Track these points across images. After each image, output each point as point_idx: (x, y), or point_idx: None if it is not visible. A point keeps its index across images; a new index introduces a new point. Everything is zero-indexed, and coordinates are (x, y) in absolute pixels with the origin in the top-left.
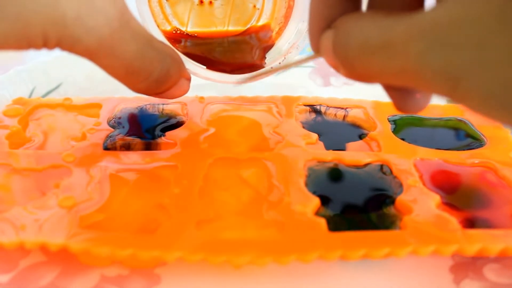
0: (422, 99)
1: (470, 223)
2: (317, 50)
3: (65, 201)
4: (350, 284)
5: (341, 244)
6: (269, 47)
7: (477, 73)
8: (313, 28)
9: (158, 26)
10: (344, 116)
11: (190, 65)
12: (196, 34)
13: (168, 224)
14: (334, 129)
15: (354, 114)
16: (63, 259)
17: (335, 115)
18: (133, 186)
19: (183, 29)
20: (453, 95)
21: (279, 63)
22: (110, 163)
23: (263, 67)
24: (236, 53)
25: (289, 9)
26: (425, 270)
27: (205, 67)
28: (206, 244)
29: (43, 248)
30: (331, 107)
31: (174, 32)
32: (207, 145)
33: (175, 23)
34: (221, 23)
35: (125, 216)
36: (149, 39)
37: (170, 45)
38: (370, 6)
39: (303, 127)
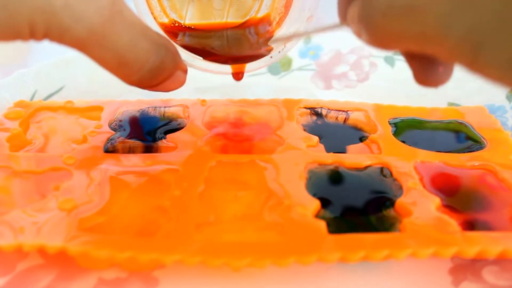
0: (444, 72)
1: (470, 226)
2: (344, 18)
3: (65, 203)
4: (350, 286)
5: (341, 246)
6: (269, 38)
7: (502, 38)
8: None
9: (155, 19)
10: (345, 119)
11: (187, 56)
12: (194, 27)
13: (167, 227)
14: (335, 132)
15: (355, 117)
16: (61, 262)
17: (336, 118)
18: (133, 188)
19: (181, 21)
20: (474, 62)
21: (279, 52)
22: (111, 166)
23: (263, 56)
24: (235, 46)
25: None
26: (424, 272)
27: (202, 58)
28: (205, 247)
29: (41, 251)
30: (332, 109)
31: (172, 25)
32: (208, 148)
33: (173, 16)
34: (219, 15)
35: (125, 219)
36: (143, 29)
37: (167, 37)
38: None
39: (304, 130)
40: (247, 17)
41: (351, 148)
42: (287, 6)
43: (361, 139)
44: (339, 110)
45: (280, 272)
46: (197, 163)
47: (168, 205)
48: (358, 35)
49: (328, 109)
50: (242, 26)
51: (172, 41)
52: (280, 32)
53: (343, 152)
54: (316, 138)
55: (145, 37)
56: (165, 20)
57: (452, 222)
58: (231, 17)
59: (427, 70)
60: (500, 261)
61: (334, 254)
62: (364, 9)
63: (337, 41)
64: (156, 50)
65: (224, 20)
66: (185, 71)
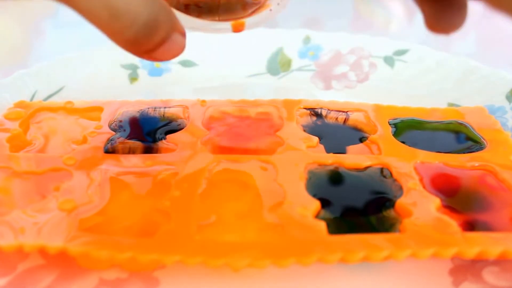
0: (457, 16)
1: (470, 226)
2: None
3: (65, 204)
4: (350, 287)
5: (341, 247)
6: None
7: None
8: None
9: None
10: (345, 120)
11: (182, 16)
12: None
13: (168, 227)
14: (334, 132)
15: (355, 118)
16: (62, 262)
17: (336, 118)
18: (133, 189)
19: None
20: None
21: (278, 3)
22: (111, 166)
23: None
24: (226, 9)
25: None
26: (425, 273)
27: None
28: (205, 247)
29: (42, 251)
30: (332, 110)
31: None
32: (208, 148)
33: None
34: None
35: (125, 219)
36: None
37: None
38: None
39: (304, 130)
40: None
41: (351, 148)
42: None
43: (361, 139)
44: (339, 111)
45: (280, 272)
46: (197, 163)
47: (168, 205)
48: None
49: (328, 109)
50: None
51: None
52: None
53: (343, 152)
54: (316, 139)
55: None
56: None
57: (452, 223)
58: None
59: (439, 13)
60: (501, 261)
61: (334, 254)
62: None
63: (336, 42)
64: (149, 2)
65: None
66: (183, 34)
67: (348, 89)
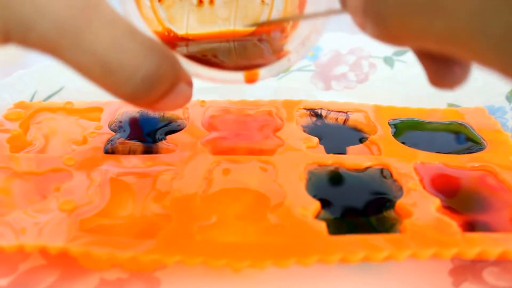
0: (461, 72)
1: (470, 227)
2: (344, 4)
3: (65, 204)
4: (350, 287)
5: (341, 247)
6: (283, 44)
7: None
8: None
9: (149, 27)
10: (345, 120)
11: (190, 65)
12: (195, 38)
13: (168, 228)
14: (334, 133)
15: (355, 118)
16: (63, 262)
17: (336, 119)
18: (134, 189)
19: (180, 31)
20: (510, 68)
21: (297, 52)
22: (111, 167)
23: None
24: (245, 56)
25: None
26: (425, 273)
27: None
28: (206, 248)
29: (43, 252)
30: (331, 111)
31: (168, 34)
32: (208, 149)
33: (172, 28)
34: (224, 23)
35: (125, 220)
36: (129, 29)
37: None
38: None
39: (304, 131)
40: (257, 25)
41: (351, 149)
42: (301, 7)
43: (361, 140)
44: (339, 111)
45: (280, 273)
46: (197, 164)
47: (168, 206)
48: (362, 27)
49: (328, 110)
50: (253, 35)
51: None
52: (295, 33)
53: (343, 153)
54: (316, 139)
55: (133, 38)
56: (160, 29)
57: (452, 223)
58: (238, 26)
59: (442, 70)
60: (501, 262)
61: (335, 255)
62: (373, 1)
63: (336, 42)
64: (149, 53)
65: (231, 28)
66: (190, 84)
67: (347, 89)
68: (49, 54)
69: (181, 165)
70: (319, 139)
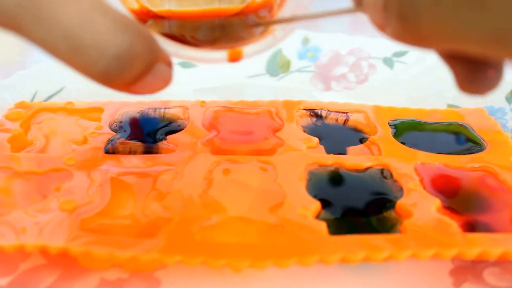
0: (495, 76)
1: (470, 227)
2: (359, 3)
3: (66, 204)
4: (350, 287)
5: (341, 248)
6: (269, 22)
7: None
8: None
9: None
10: (345, 121)
11: (169, 45)
12: (176, 15)
13: (168, 228)
14: (335, 133)
15: (355, 119)
16: (63, 262)
17: (336, 119)
18: (134, 189)
19: (160, 9)
20: None
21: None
22: (111, 167)
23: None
24: (230, 37)
25: None
26: (425, 274)
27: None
28: (206, 248)
29: (43, 251)
30: (332, 111)
31: (144, 11)
32: (208, 149)
33: (150, 7)
34: (208, 2)
35: (125, 220)
36: (97, 3)
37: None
38: None
39: (304, 131)
40: (245, 2)
41: (351, 149)
42: None
43: (361, 140)
44: (339, 112)
45: (281, 273)
46: (197, 164)
47: (168, 206)
48: (381, 27)
49: (328, 110)
50: (239, 14)
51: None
52: (282, 13)
53: (343, 153)
54: (316, 140)
55: (103, 12)
56: (136, 6)
57: (453, 224)
58: (224, 3)
59: (474, 74)
60: (501, 262)
61: (335, 255)
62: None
63: (335, 43)
64: (121, 30)
65: (215, 6)
66: (169, 64)
67: (347, 90)
68: (13, 32)
69: (181, 165)
70: (319, 139)
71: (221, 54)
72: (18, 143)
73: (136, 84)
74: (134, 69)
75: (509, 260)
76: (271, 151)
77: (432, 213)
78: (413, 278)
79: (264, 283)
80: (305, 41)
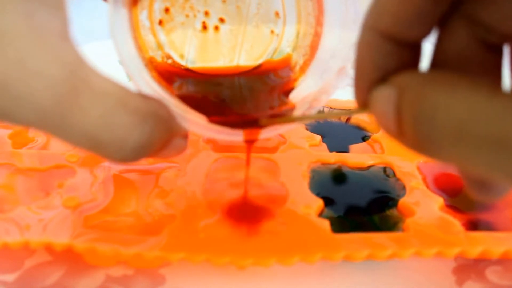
0: (505, 186)
1: (473, 226)
2: (364, 105)
3: (69, 201)
4: (354, 285)
5: (345, 245)
6: (290, 90)
7: None
8: (360, 78)
9: (144, 62)
10: (348, 118)
11: (187, 122)
12: (197, 71)
13: (172, 225)
14: (337, 131)
15: (358, 116)
16: (68, 259)
17: (339, 117)
18: (137, 186)
19: (182, 63)
20: None
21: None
22: (114, 164)
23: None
24: (250, 98)
25: (316, 37)
26: (428, 272)
27: (206, 117)
28: (210, 245)
29: (48, 248)
30: (334, 109)
31: (168, 65)
32: (211, 146)
33: (172, 55)
34: (229, 53)
35: (129, 217)
36: (121, 98)
37: (159, 91)
38: (435, 62)
39: (307, 129)
40: (264, 58)
41: (354, 147)
42: (314, 47)
43: (364, 138)
44: (342, 109)
45: (284, 271)
46: (200, 161)
47: (171, 203)
48: (395, 135)
49: (331, 108)
50: (257, 70)
51: (165, 97)
52: (303, 84)
53: (346, 151)
54: (318, 137)
55: (125, 108)
56: (159, 59)
57: (456, 222)
58: (244, 58)
59: (484, 189)
60: (504, 261)
61: (339, 253)
62: (418, 119)
63: (336, 40)
64: (140, 123)
65: (234, 63)
66: (185, 136)
67: (350, 87)
68: (39, 129)
69: (184, 162)
70: (322, 137)
71: (238, 134)
72: (20, 139)
73: (152, 157)
74: (151, 152)
75: (511, 258)
76: (273, 149)
77: (435, 212)
78: (416, 276)
79: (268, 280)
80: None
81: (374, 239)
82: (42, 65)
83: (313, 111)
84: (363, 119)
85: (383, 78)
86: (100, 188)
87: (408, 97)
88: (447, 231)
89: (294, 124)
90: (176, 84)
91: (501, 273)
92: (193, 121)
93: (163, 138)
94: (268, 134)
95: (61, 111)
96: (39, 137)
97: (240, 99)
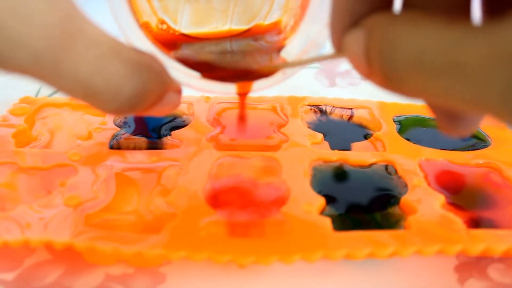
0: (473, 121)
1: (475, 223)
2: (340, 49)
3: (70, 199)
4: (355, 283)
5: (346, 244)
6: (280, 48)
7: None
8: (335, 23)
9: (140, 27)
10: (350, 117)
11: (180, 74)
12: (191, 35)
13: (173, 223)
14: (339, 129)
15: (360, 115)
16: (68, 257)
17: (341, 115)
18: (138, 185)
19: (175, 27)
20: None
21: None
22: (116, 162)
23: (272, 74)
24: (241, 57)
25: None
26: (430, 270)
27: (199, 74)
28: (211, 243)
29: (48, 247)
30: (336, 107)
31: (163, 31)
32: (213, 144)
33: (166, 20)
34: (222, 17)
35: (130, 215)
36: (114, 47)
37: (152, 48)
38: (406, 4)
39: (309, 127)
40: (255, 21)
41: (355, 145)
42: (304, 6)
43: (366, 136)
44: (344, 108)
45: (285, 269)
46: (202, 159)
47: (173, 201)
48: (366, 75)
49: (333, 106)
50: (248, 33)
51: (160, 54)
52: (294, 40)
53: (348, 149)
54: (320, 136)
55: (118, 57)
56: (153, 24)
57: (457, 220)
58: (236, 22)
59: (454, 120)
60: (506, 258)
61: (340, 251)
62: (380, 54)
63: None
64: (134, 72)
65: (227, 27)
66: (179, 91)
67: (352, 86)
68: (33, 77)
69: (186, 161)
70: (323, 135)
71: (230, 87)
72: (23, 138)
73: (146, 111)
74: (145, 103)
75: None
76: (275, 147)
77: (437, 209)
78: (417, 274)
79: (269, 279)
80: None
81: (376, 237)
82: (37, 8)
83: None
84: (365, 117)
85: (356, 22)
86: (102, 187)
87: (375, 36)
88: (449, 228)
89: (283, 71)
90: (171, 47)
91: (503, 270)
92: (187, 75)
93: (157, 90)
94: (259, 87)
95: (55, 54)
96: (42, 135)
97: (232, 61)
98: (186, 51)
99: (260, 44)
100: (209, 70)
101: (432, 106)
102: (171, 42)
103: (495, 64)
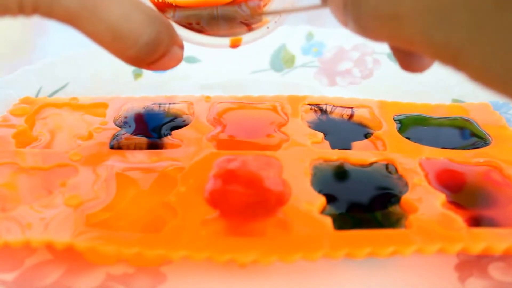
0: (427, 60)
1: (475, 222)
2: (324, 1)
3: (71, 199)
4: (356, 282)
5: (347, 243)
6: (261, 13)
7: (474, 50)
8: None
9: None
10: (350, 116)
11: (181, 31)
12: (181, 4)
13: (174, 223)
14: (339, 129)
15: (360, 114)
16: (69, 257)
17: (341, 114)
18: (139, 185)
19: None
20: (455, 65)
21: (275, 22)
22: (116, 162)
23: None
24: (225, 25)
25: None
26: (430, 269)
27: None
28: (211, 243)
29: (49, 247)
30: (336, 106)
31: (158, 1)
32: (213, 144)
33: None
34: None
35: (131, 215)
36: (135, 2)
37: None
38: None
39: (309, 126)
40: None
41: (356, 144)
42: None
43: (366, 135)
44: (344, 107)
45: (286, 268)
46: (202, 159)
47: (174, 201)
48: (343, 24)
49: (333, 105)
50: (233, 3)
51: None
52: (271, 6)
53: (348, 148)
54: (321, 135)
55: (138, 9)
56: None
57: (458, 219)
58: None
59: (411, 60)
60: (506, 257)
61: (340, 250)
62: (351, 4)
63: (339, 38)
64: (150, 22)
65: None
66: (182, 47)
67: (352, 85)
68: (68, 24)
69: (186, 161)
70: (324, 134)
71: (224, 40)
72: (23, 139)
73: (157, 63)
74: (158, 52)
75: None
76: (276, 146)
77: (437, 208)
78: (418, 273)
79: (270, 278)
80: (309, 36)
81: (376, 236)
82: None
83: (282, 17)
84: (365, 116)
85: None
86: (102, 187)
87: None
88: (449, 227)
89: (270, 19)
90: (166, 14)
91: (504, 269)
92: (187, 31)
93: (166, 40)
94: (249, 39)
95: (94, 2)
96: (43, 136)
97: (217, 25)
98: (177, 16)
99: (243, 10)
100: (198, 32)
101: (392, 48)
102: (165, 9)
103: (417, 13)
